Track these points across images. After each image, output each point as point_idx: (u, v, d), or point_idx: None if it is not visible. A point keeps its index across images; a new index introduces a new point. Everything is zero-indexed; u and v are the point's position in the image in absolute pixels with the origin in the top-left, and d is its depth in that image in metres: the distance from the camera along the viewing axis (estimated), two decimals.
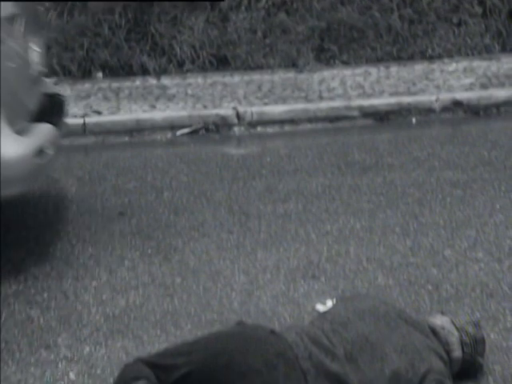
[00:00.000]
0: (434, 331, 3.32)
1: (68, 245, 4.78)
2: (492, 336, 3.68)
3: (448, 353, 3.27)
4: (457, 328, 3.33)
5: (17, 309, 4.05)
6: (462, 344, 3.29)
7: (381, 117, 7.49)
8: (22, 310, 4.03)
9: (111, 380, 3.20)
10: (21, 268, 4.49)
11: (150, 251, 4.67)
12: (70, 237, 4.90)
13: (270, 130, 7.29)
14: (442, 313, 3.53)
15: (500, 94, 7.83)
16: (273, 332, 3.11)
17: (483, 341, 3.38)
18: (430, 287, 4.18)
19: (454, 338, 3.30)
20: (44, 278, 4.37)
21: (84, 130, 7.14)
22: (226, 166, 6.18)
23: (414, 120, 7.46)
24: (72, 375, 3.45)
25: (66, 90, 8.15)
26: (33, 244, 4.80)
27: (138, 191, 5.68)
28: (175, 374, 2.95)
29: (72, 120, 7.13)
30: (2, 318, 3.94)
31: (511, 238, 4.74)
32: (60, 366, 3.52)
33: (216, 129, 7.25)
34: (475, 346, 3.31)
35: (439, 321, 3.39)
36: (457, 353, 3.28)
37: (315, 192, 5.58)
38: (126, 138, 7.10)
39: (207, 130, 7.23)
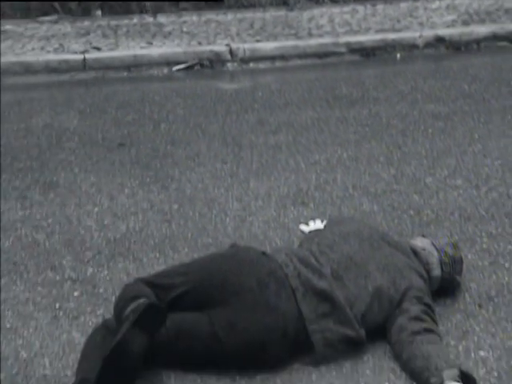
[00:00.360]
0: (415, 252, 3.35)
1: (71, 174, 4.79)
2: (469, 256, 3.72)
3: (428, 272, 3.30)
4: (437, 249, 3.36)
5: (23, 233, 4.07)
6: (441, 264, 3.33)
7: (367, 53, 7.45)
8: (29, 235, 4.06)
9: (113, 299, 3.23)
10: (26, 195, 4.50)
11: (148, 180, 4.68)
12: (72, 166, 4.90)
13: (261, 65, 7.25)
14: (423, 235, 3.56)
15: (481, 30, 7.78)
16: (264, 253, 3.13)
17: (461, 261, 3.42)
18: (411, 212, 4.21)
19: (433, 259, 3.34)
20: (49, 205, 4.38)
21: (84, 65, 7.08)
22: (219, 100, 6.16)
23: (398, 56, 7.42)
24: (76, 294, 3.50)
25: (66, 27, 8.12)
26: (38, 173, 4.80)
27: (136, 123, 5.66)
28: (173, 293, 2.98)
29: (72, 56, 7.12)
30: (10, 242, 3.98)
31: (488, 166, 4.77)
32: (65, 285, 3.55)
33: (210, 64, 7.20)
34: (453, 266, 3.36)
35: (420, 243, 3.42)
36: (436, 272, 3.32)
37: (304, 124, 5.57)
38: (125, 73, 7.05)
39: (202, 65, 7.18)
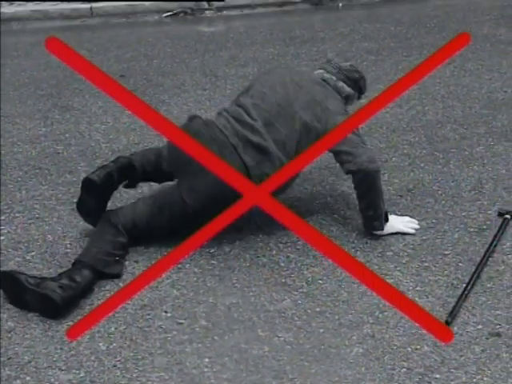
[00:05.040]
0: (327, 82, 3.19)
1: (83, 99, 4.70)
2: (393, 159, 3.76)
3: (340, 93, 3.20)
4: (343, 78, 3.24)
5: (46, 145, 4.02)
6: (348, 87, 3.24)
7: (316, 2, 7.28)
8: (51, 146, 4.00)
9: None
10: (48, 116, 4.42)
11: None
12: (83, 93, 4.79)
13: (232, 13, 7.08)
14: (326, 70, 3.28)
15: None
16: (206, 124, 2.99)
17: (364, 79, 3.34)
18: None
19: (341, 83, 3.22)
20: (66, 123, 4.31)
21: (91, 13, 6.89)
22: (199, 41, 6.04)
23: (340, 4, 7.24)
24: None
25: None
26: (56, 98, 4.70)
27: (134, 59, 5.54)
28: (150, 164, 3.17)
29: (82, 5, 6.92)
30: (36, 152, 3.92)
31: (409, 90, 4.70)
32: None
33: (192, 12, 7.04)
34: (359, 84, 3.32)
35: (327, 75, 3.22)
36: (347, 91, 3.23)
37: (266, 59, 5.50)
38: (124, 20, 6.86)
39: (185, 13, 7.02)
